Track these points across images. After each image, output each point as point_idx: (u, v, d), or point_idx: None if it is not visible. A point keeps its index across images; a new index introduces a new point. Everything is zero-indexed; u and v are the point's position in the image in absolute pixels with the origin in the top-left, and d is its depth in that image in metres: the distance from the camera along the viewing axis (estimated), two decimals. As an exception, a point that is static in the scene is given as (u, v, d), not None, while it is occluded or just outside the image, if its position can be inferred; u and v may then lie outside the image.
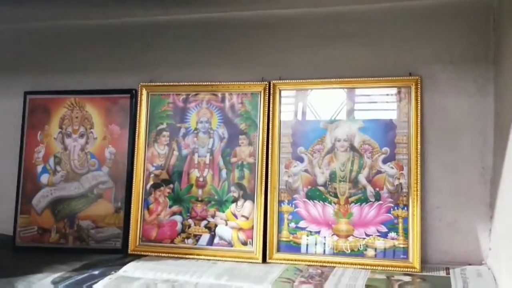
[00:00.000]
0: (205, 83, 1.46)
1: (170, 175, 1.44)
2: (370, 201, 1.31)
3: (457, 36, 1.32)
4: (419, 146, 1.29)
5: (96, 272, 1.24)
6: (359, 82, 1.35)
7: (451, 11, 1.32)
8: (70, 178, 1.50)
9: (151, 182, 1.45)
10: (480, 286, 1.13)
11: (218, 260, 1.35)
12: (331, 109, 1.36)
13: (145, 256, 1.39)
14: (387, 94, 1.34)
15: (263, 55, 1.46)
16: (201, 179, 1.42)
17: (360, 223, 1.31)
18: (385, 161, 1.31)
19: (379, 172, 1.31)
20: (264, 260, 1.33)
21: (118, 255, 1.40)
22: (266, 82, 1.41)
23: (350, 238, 1.31)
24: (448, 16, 1.33)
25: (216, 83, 1.45)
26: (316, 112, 1.38)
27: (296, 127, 1.38)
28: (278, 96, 1.40)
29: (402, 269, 1.25)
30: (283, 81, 1.40)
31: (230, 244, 1.37)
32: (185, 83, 1.47)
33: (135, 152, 1.46)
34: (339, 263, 1.29)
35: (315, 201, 1.34)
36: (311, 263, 1.30)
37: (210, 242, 1.39)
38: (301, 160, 1.36)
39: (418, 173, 1.28)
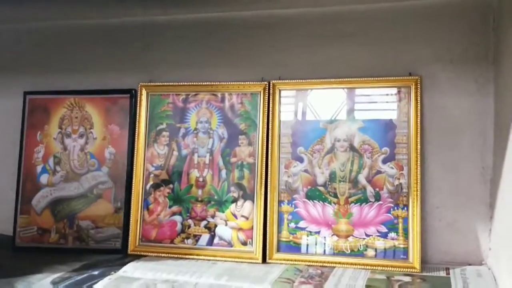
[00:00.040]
0: (205, 83, 1.46)
1: (169, 175, 1.44)
2: (370, 201, 1.31)
3: (457, 36, 1.32)
4: (419, 146, 1.28)
5: (95, 273, 1.24)
6: (359, 82, 1.35)
7: (451, 11, 1.32)
8: (69, 178, 1.50)
9: (150, 182, 1.45)
10: (480, 286, 1.13)
11: (218, 260, 1.35)
12: (331, 109, 1.36)
13: (145, 256, 1.39)
14: (387, 94, 1.33)
15: (262, 55, 1.46)
16: (200, 179, 1.42)
17: (360, 223, 1.31)
18: (385, 161, 1.31)
19: (379, 172, 1.31)
20: (264, 260, 1.33)
21: (118, 255, 1.40)
22: (265, 82, 1.41)
23: (350, 238, 1.31)
24: (448, 16, 1.33)
25: (216, 83, 1.45)
26: (316, 112, 1.37)
27: (296, 127, 1.38)
28: (278, 96, 1.40)
29: (402, 269, 1.24)
30: (283, 81, 1.40)
31: (230, 244, 1.37)
32: (185, 83, 1.47)
33: (135, 152, 1.46)
34: (339, 263, 1.29)
35: (315, 201, 1.34)
36: (311, 263, 1.30)
37: (210, 242, 1.39)
38: (300, 160, 1.36)
39: (418, 173, 1.28)
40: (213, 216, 1.40)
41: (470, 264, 1.28)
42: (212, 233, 1.39)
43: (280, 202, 1.36)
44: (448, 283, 1.14)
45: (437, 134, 1.32)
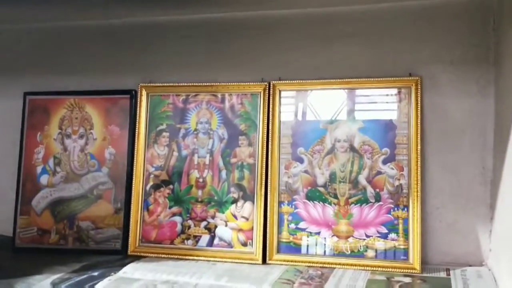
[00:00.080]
0: (205, 84, 1.45)
1: (170, 176, 1.44)
2: (370, 202, 1.31)
3: (457, 37, 1.32)
4: (419, 147, 1.28)
5: (95, 274, 1.24)
6: (359, 83, 1.35)
7: (451, 11, 1.32)
8: (69, 179, 1.50)
9: (151, 183, 1.45)
10: (480, 287, 1.13)
11: (218, 261, 1.34)
12: (331, 109, 1.36)
13: (145, 257, 1.39)
14: (387, 95, 1.33)
15: (262, 56, 1.46)
16: (200, 180, 1.42)
17: (360, 224, 1.31)
18: (385, 162, 1.31)
19: (379, 173, 1.31)
20: (264, 261, 1.33)
21: (118, 256, 1.40)
22: (265, 83, 1.41)
23: (350, 239, 1.31)
24: (448, 16, 1.32)
25: (216, 83, 1.45)
26: (316, 112, 1.37)
27: (296, 127, 1.38)
28: (278, 97, 1.40)
29: (402, 270, 1.24)
30: (283, 81, 1.40)
31: (230, 245, 1.37)
32: (185, 84, 1.47)
33: (135, 153, 1.46)
34: (339, 264, 1.29)
35: (315, 202, 1.34)
36: (311, 264, 1.30)
37: (210, 243, 1.39)
38: (301, 160, 1.36)
39: (418, 174, 1.28)
40: (213, 217, 1.40)
41: (470, 265, 1.28)
42: (212, 234, 1.39)
43: (280, 203, 1.36)
44: (448, 284, 1.14)
45: (437, 135, 1.32)
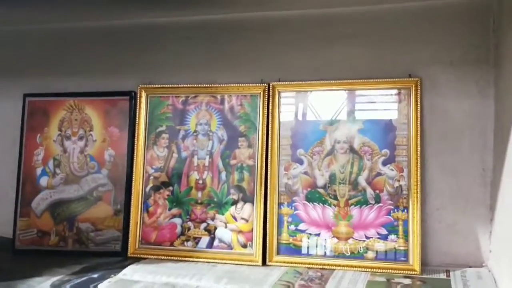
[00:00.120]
0: (204, 85, 1.45)
1: (169, 177, 1.44)
2: (370, 203, 1.31)
3: (457, 38, 1.32)
4: (419, 148, 1.28)
5: (95, 275, 1.24)
6: (359, 84, 1.35)
7: (451, 12, 1.32)
8: (69, 180, 1.50)
9: (150, 185, 1.45)
10: (480, 288, 1.13)
11: (218, 262, 1.34)
12: (330, 111, 1.36)
13: (145, 259, 1.39)
14: (387, 96, 1.33)
15: (262, 57, 1.46)
16: (200, 181, 1.42)
17: (360, 226, 1.31)
18: (385, 163, 1.31)
19: (379, 174, 1.31)
20: (264, 262, 1.33)
21: (118, 258, 1.40)
22: (265, 84, 1.41)
23: (350, 241, 1.31)
24: (448, 17, 1.32)
25: (216, 85, 1.45)
26: (316, 114, 1.37)
27: (296, 129, 1.38)
28: (278, 98, 1.39)
29: (402, 271, 1.24)
30: (283, 83, 1.40)
31: (229, 246, 1.37)
32: (184, 85, 1.47)
33: (135, 155, 1.46)
34: (339, 265, 1.29)
35: (314, 203, 1.34)
36: (311, 266, 1.30)
37: (210, 244, 1.38)
38: (300, 162, 1.36)
39: (418, 175, 1.28)
40: (213, 219, 1.40)
41: (470, 266, 1.28)
42: (212, 236, 1.39)
43: (280, 204, 1.36)
44: (448, 285, 1.14)
45: (437, 136, 1.32)
